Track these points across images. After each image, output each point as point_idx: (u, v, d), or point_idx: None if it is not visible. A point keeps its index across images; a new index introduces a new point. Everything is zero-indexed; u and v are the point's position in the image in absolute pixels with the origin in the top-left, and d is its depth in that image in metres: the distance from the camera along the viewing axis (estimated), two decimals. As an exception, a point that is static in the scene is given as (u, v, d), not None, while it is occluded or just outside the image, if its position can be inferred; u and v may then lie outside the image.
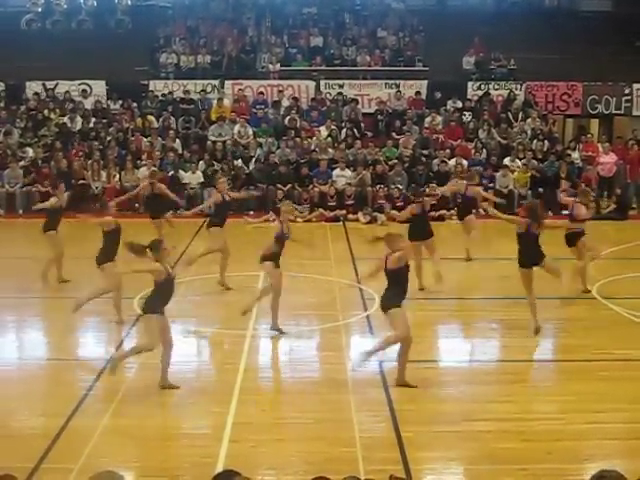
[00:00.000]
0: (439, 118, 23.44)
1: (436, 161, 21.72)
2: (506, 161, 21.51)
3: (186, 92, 23.90)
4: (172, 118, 23.13)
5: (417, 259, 13.45)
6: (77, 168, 21.07)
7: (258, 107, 23.85)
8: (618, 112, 24.95)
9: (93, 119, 23.03)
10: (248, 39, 26.07)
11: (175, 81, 24.46)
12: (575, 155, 22.28)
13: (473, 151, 22.28)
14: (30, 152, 21.82)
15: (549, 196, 20.94)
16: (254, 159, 21.87)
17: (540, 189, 21.05)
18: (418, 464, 7.59)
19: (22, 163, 21.37)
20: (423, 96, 24.35)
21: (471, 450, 7.92)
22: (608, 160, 21.87)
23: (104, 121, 22.95)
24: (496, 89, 24.59)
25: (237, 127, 22.70)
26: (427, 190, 20.41)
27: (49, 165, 21.22)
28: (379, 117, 23.73)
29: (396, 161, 21.65)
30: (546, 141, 22.60)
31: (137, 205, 19.68)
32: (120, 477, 4.47)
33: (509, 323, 11.59)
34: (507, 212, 20.06)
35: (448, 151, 22.03)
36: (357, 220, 20.00)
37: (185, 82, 24.29)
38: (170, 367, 9.33)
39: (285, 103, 23.96)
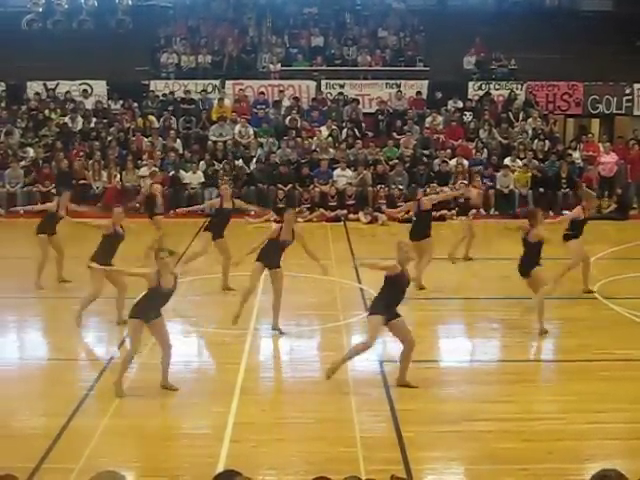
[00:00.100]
0: (440, 118, 23.44)
1: (437, 161, 21.71)
2: (507, 161, 21.50)
3: (187, 92, 23.90)
4: (173, 118, 23.13)
5: (417, 259, 13.46)
6: (78, 168, 21.07)
7: (259, 107, 23.86)
8: (619, 112, 24.94)
9: (94, 119, 23.03)
10: (249, 39, 26.07)
11: (176, 81, 24.47)
12: (576, 155, 22.27)
13: (474, 151, 22.27)
14: (31, 152, 21.83)
15: (550, 196, 21.00)
16: (255, 159, 21.87)
17: (541, 189, 21.04)
18: (419, 464, 7.59)
19: (23, 163, 21.38)
20: (424, 96, 24.35)
21: (472, 450, 7.92)
22: (609, 160, 21.86)
23: (105, 121, 22.96)
24: (497, 89, 24.59)
25: (238, 127, 22.70)
26: (428, 190, 20.55)
27: (50, 165, 21.23)
28: (380, 117, 23.72)
29: (397, 161, 21.65)
30: (547, 141, 22.60)
31: (138, 205, 19.63)
32: (122, 477, 4.47)
33: (510, 323, 11.59)
34: (508, 212, 20.35)
35: (449, 151, 22.02)
36: (358, 220, 20.00)
37: (186, 82, 24.30)
38: (171, 367, 9.34)
39: (286, 103, 23.97)
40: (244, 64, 25.32)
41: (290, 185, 20.76)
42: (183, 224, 17.43)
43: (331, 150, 22.08)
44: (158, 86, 24.33)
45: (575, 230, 12.95)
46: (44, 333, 11.95)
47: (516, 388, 9.53)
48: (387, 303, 9.41)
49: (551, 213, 20.42)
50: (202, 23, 26.95)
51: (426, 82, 24.58)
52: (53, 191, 20.55)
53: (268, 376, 10.34)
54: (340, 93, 24.40)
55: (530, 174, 21.20)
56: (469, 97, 24.36)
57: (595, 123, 26.34)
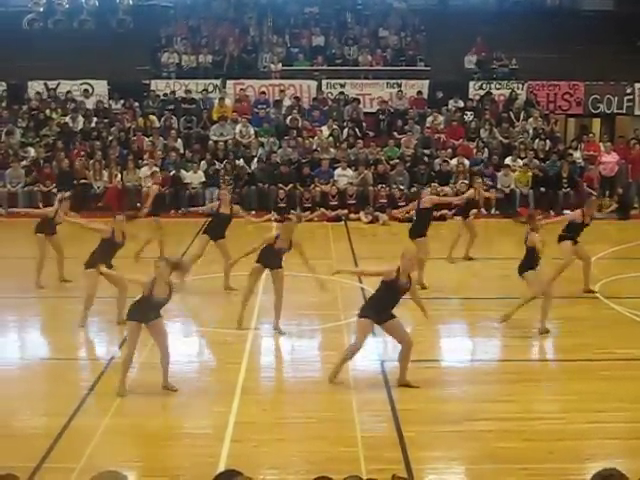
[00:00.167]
0: (441, 118, 23.44)
1: (438, 161, 21.71)
2: (508, 160, 21.49)
3: (188, 92, 23.91)
4: (174, 118, 23.14)
5: (424, 254, 13.47)
6: (79, 168, 21.07)
7: (260, 107, 23.87)
8: (620, 111, 24.94)
9: (95, 119, 23.03)
10: (250, 39, 26.08)
11: (177, 81, 24.47)
12: (577, 155, 22.26)
13: (475, 151, 22.27)
14: (32, 152, 21.83)
15: (551, 196, 20.99)
16: (256, 159, 21.87)
17: (542, 189, 21.04)
18: (420, 464, 7.59)
19: (24, 163, 21.38)
20: (425, 96, 24.34)
21: (473, 450, 7.93)
22: (610, 160, 21.85)
23: (106, 121, 22.95)
24: (498, 89, 24.59)
25: (239, 127, 22.70)
26: (429, 190, 20.54)
27: (51, 165, 21.23)
28: (381, 117, 23.72)
29: (398, 161, 21.64)
30: (548, 140, 22.59)
31: (139, 205, 19.66)
32: (123, 477, 4.47)
33: (511, 322, 11.57)
34: (508, 211, 20.33)
35: (450, 151, 22.01)
36: (359, 220, 20.00)
37: (187, 82, 24.30)
38: (172, 367, 9.35)
39: (287, 103, 23.97)
40: (245, 64, 25.33)
41: (291, 185, 20.76)
42: (184, 224, 17.44)
43: (332, 150, 22.07)
44: (159, 86, 24.33)
45: (571, 232, 12.95)
46: (45, 333, 11.95)
47: (517, 388, 9.53)
48: (378, 306, 9.45)
49: (552, 213, 20.52)
50: (203, 23, 26.96)
51: (427, 82, 24.58)
52: (54, 191, 20.62)
53: (269, 376, 10.34)
54: (341, 93, 24.40)
55: (531, 174, 21.19)
56: (470, 97, 24.36)
57: (596, 123, 26.34)
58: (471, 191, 16.48)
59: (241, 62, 25.35)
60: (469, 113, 23.69)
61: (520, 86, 24.48)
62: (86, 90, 24.07)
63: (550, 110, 24.43)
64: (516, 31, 25.15)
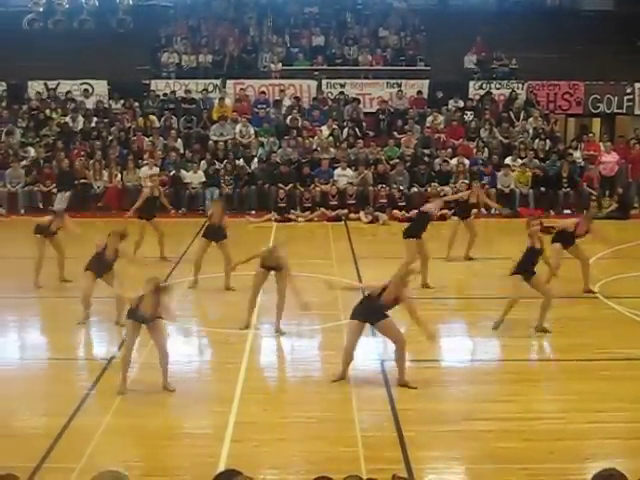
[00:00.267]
0: (441, 117, 23.43)
1: (438, 160, 21.70)
2: (507, 160, 21.49)
3: (188, 92, 23.90)
4: (174, 118, 23.13)
5: (422, 257, 13.48)
6: (79, 168, 21.06)
7: (260, 106, 23.87)
8: (620, 111, 24.94)
9: (95, 119, 23.02)
10: (250, 38, 26.07)
11: (177, 80, 24.46)
12: (577, 154, 22.25)
13: (475, 150, 22.26)
14: (32, 152, 21.82)
15: (551, 195, 20.99)
16: (256, 159, 21.87)
17: (542, 188, 21.04)
18: (420, 463, 7.60)
19: (24, 163, 21.36)
20: (425, 95, 24.34)
21: (472, 450, 7.93)
22: (610, 159, 21.85)
23: (106, 121, 22.94)
24: (498, 88, 24.59)
25: (239, 126, 22.70)
26: (429, 189, 20.57)
27: (51, 165, 21.22)
28: (381, 116, 23.72)
29: (398, 160, 21.63)
30: (548, 140, 22.58)
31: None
32: (124, 476, 4.47)
33: (510, 322, 11.57)
34: (508, 211, 20.36)
35: (450, 150, 22.00)
36: (359, 219, 19.99)
37: (187, 82, 24.29)
38: (172, 367, 9.36)
39: (287, 102, 23.96)
40: (245, 63, 25.32)
41: (291, 185, 20.75)
42: (185, 224, 17.44)
43: (332, 150, 22.07)
44: (159, 86, 24.33)
45: (560, 238, 13.01)
46: (45, 333, 11.95)
47: (517, 387, 9.54)
48: (369, 309, 9.50)
49: (552, 212, 20.54)
50: (203, 22, 26.96)
51: (427, 81, 24.57)
52: (54, 190, 20.63)
53: (269, 376, 10.35)
54: (341, 92, 24.39)
55: (530, 173, 21.17)
56: (470, 96, 24.35)
57: (596, 122, 26.33)
58: (466, 192, 16.51)
59: (241, 62, 25.34)
60: (469, 113, 23.68)
61: (520, 86, 24.48)
62: (86, 90, 24.06)
63: (550, 110, 24.43)
64: (516, 31, 25.15)
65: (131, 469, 7.32)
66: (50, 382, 9.83)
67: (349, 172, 21.19)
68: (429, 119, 23.34)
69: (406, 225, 14.80)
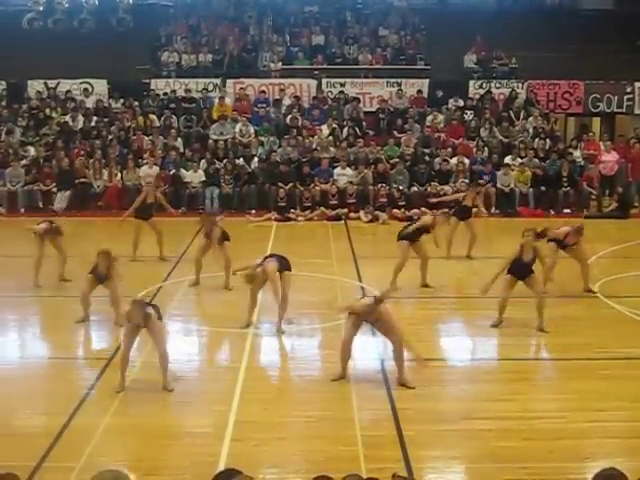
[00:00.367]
0: (441, 117, 23.43)
1: (438, 160, 21.70)
2: (507, 160, 21.48)
3: (187, 91, 23.91)
4: (174, 117, 23.12)
5: (421, 257, 13.49)
6: (79, 167, 21.06)
7: (260, 106, 23.87)
8: (620, 110, 24.94)
9: (95, 118, 23.02)
10: (250, 38, 26.07)
11: (177, 80, 24.46)
12: (577, 154, 22.25)
13: (475, 150, 22.27)
14: (32, 151, 21.82)
15: (551, 195, 20.99)
16: (256, 158, 21.88)
17: (542, 188, 21.04)
18: (420, 462, 7.60)
19: (24, 162, 21.36)
20: (425, 95, 24.34)
21: (472, 449, 7.93)
22: (610, 159, 21.85)
23: (106, 120, 22.95)
24: (498, 87, 24.59)
25: (239, 126, 22.70)
26: (429, 189, 20.58)
27: (51, 164, 21.22)
28: (381, 116, 23.71)
29: (398, 160, 21.62)
30: (548, 139, 22.58)
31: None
32: (124, 476, 4.47)
33: (510, 321, 11.58)
34: (508, 210, 20.36)
35: (450, 150, 22.00)
36: (359, 219, 19.99)
37: (187, 81, 24.29)
38: (172, 366, 9.37)
39: (287, 102, 23.97)
40: (245, 63, 25.32)
41: (291, 184, 20.75)
42: (184, 223, 17.40)
43: (332, 149, 22.07)
44: (159, 85, 24.33)
45: (554, 240, 13.08)
46: (45, 332, 11.94)
47: (516, 387, 9.54)
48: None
49: (552, 212, 20.54)
50: (203, 22, 26.96)
51: (427, 81, 24.58)
52: (54, 190, 20.64)
53: (269, 375, 10.35)
54: (341, 92, 24.39)
55: (529, 173, 21.16)
56: (470, 96, 24.36)
57: (596, 122, 26.32)
58: (461, 194, 16.53)
59: (241, 61, 25.35)
60: (469, 112, 23.68)
61: (520, 85, 24.48)
62: (86, 89, 24.07)
63: (550, 109, 24.43)
64: (516, 30, 25.15)
65: (131, 468, 7.33)
66: (50, 381, 9.83)
67: (349, 171, 21.19)
68: (429, 118, 23.34)
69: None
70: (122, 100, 23.86)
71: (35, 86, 24.03)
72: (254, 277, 11.16)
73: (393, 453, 7.72)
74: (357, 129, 22.98)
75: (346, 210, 20.24)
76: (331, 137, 22.51)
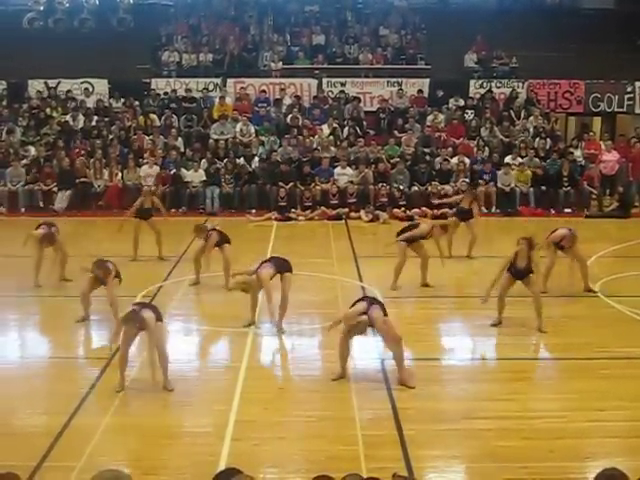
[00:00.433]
0: (441, 116, 23.43)
1: (438, 159, 21.69)
2: (508, 159, 21.48)
3: (188, 90, 23.92)
4: (174, 116, 23.12)
5: (421, 257, 13.49)
6: (79, 166, 21.07)
7: (260, 105, 23.87)
8: (620, 110, 24.94)
9: (95, 117, 23.04)
10: (250, 37, 26.07)
11: (177, 79, 24.48)
12: (577, 153, 22.24)
13: (475, 149, 22.27)
14: (32, 150, 21.83)
15: (551, 194, 20.99)
16: (256, 157, 21.88)
17: (542, 187, 21.03)
18: (420, 462, 7.59)
19: (24, 161, 21.37)
20: (425, 94, 24.35)
21: (472, 448, 7.93)
22: (610, 158, 21.84)
23: (106, 119, 22.95)
24: (498, 87, 24.59)
25: (239, 125, 22.70)
26: (429, 188, 20.58)
27: (51, 163, 21.23)
28: (381, 115, 23.72)
29: (398, 159, 21.62)
30: (548, 139, 22.58)
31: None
32: (124, 475, 4.47)
33: (510, 321, 11.58)
34: (509, 210, 20.36)
35: (450, 149, 21.99)
36: (359, 218, 19.99)
37: (187, 80, 24.30)
38: (172, 365, 9.37)
39: (287, 101, 23.97)
40: (245, 62, 25.33)
41: (291, 183, 20.76)
42: (185, 223, 17.41)
43: (332, 148, 22.07)
44: (159, 84, 24.34)
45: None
46: (45, 331, 11.93)
47: (516, 386, 9.54)
48: None
49: (552, 211, 20.54)
50: (203, 21, 26.97)
51: (427, 80, 24.58)
52: (54, 189, 20.64)
53: (269, 374, 10.34)
54: (341, 91, 24.40)
55: (529, 172, 21.14)
56: (470, 95, 24.36)
57: (597, 121, 26.32)
58: (459, 196, 16.54)
59: (241, 61, 25.35)
60: (469, 112, 23.68)
61: (520, 84, 24.49)
62: (86, 89, 24.08)
63: (551, 108, 24.44)
64: (516, 29, 25.15)
65: (131, 468, 7.33)
66: (50, 381, 9.83)
67: (349, 171, 21.19)
68: (429, 118, 23.34)
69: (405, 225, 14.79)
70: (123, 100, 23.87)
71: (36, 86, 24.05)
72: (250, 286, 11.19)
73: (393, 452, 7.72)
74: (358, 129, 22.98)
75: (347, 210, 20.24)
76: (332, 137, 22.51)
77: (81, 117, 23.02)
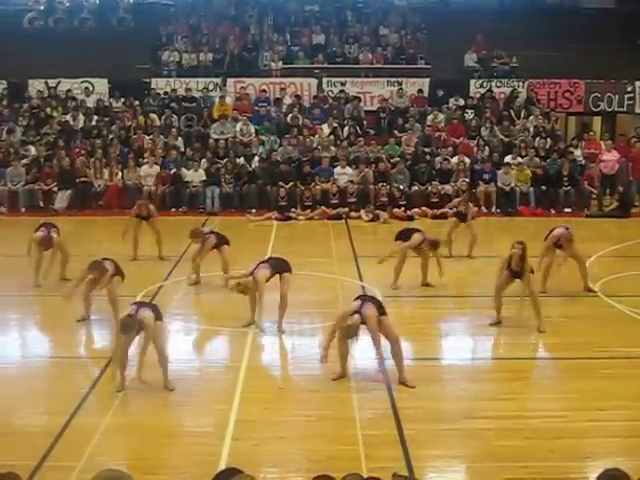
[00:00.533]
0: (441, 116, 23.43)
1: (438, 159, 21.69)
2: (508, 159, 21.48)
3: (188, 90, 23.92)
4: (174, 116, 23.12)
5: (421, 256, 13.50)
6: (79, 166, 21.06)
7: (260, 105, 23.88)
8: (620, 110, 24.96)
9: (95, 117, 23.04)
10: (250, 37, 26.08)
11: (177, 79, 24.49)
12: (577, 153, 22.24)
13: (475, 149, 22.27)
14: (32, 150, 21.83)
15: (551, 194, 20.98)
16: (256, 157, 21.88)
17: (542, 187, 21.03)
18: (420, 462, 7.59)
19: (24, 161, 21.36)
20: (425, 94, 24.36)
21: (473, 448, 7.93)
22: (610, 158, 21.84)
23: (106, 119, 22.96)
24: (498, 87, 24.60)
25: (239, 125, 22.70)
26: (429, 188, 20.57)
27: (51, 163, 21.23)
28: (381, 115, 23.73)
29: (398, 159, 21.62)
30: (548, 139, 22.58)
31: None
32: (125, 475, 4.47)
33: (511, 320, 11.58)
34: (509, 210, 20.36)
35: (450, 149, 21.98)
36: (359, 218, 19.99)
37: (187, 80, 24.31)
38: (172, 365, 9.37)
39: (287, 101, 23.97)
40: (245, 62, 25.33)
41: (292, 183, 20.75)
42: (185, 222, 17.42)
43: (332, 148, 22.07)
44: (159, 84, 24.35)
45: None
46: (46, 331, 11.94)
47: (516, 386, 9.54)
48: None
49: (552, 211, 20.54)
50: (203, 21, 26.99)
51: (427, 80, 24.59)
52: (55, 189, 20.65)
53: (270, 374, 10.34)
54: (341, 91, 24.41)
55: (528, 172, 21.13)
56: (471, 95, 24.37)
57: (597, 121, 26.33)
58: (456, 200, 16.57)
59: (242, 60, 25.36)
60: (470, 111, 23.69)
61: (521, 84, 24.49)
62: (87, 88, 24.10)
63: (551, 108, 24.44)
64: (517, 29, 25.17)
65: (131, 467, 7.32)
66: (51, 380, 9.83)
67: (349, 170, 21.18)
68: (430, 117, 23.34)
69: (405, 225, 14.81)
70: (123, 99, 23.88)
71: (36, 85, 24.06)
72: (247, 288, 11.19)
73: (394, 452, 7.72)
74: (358, 128, 22.98)
75: (347, 209, 20.24)
76: (332, 136, 22.51)
77: (81, 117, 23.02)
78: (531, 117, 23.23)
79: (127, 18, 26.96)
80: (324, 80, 24.62)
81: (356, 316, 9.32)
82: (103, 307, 11.65)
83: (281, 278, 11.31)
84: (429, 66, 25.11)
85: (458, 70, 25.34)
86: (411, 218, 19.61)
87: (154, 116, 23.12)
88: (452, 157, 21.60)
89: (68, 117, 22.99)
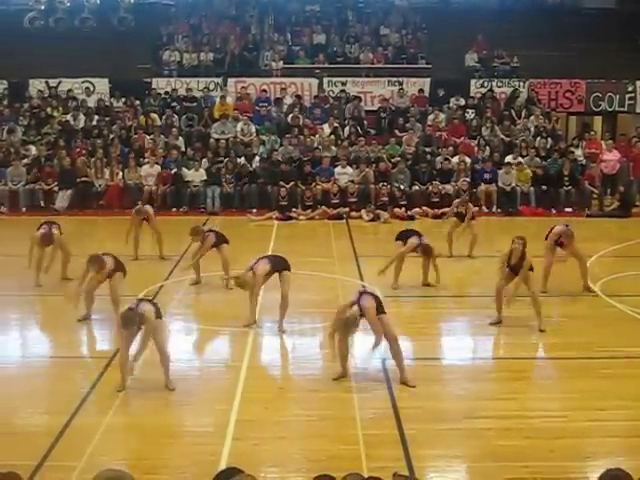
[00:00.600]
0: (442, 115, 23.43)
1: (439, 159, 21.69)
2: (509, 158, 21.47)
3: (189, 90, 23.93)
4: (175, 116, 23.13)
5: (422, 256, 13.51)
6: (80, 166, 21.07)
7: (261, 105, 23.88)
8: (621, 109, 24.95)
9: (96, 117, 23.05)
10: (251, 37, 26.08)
11: (178, 79, 24.50)
12: (578, 152, 22.23)
13: (476, 149, 22.26)
14: (33, 150, 21.84)
15: (552, 194, 20.98)
16: (257, 157, 21.88)
17: (543, 187, 21.02)
18: (421, 461, 7.59)
19: (25, 161, 21.37)
20: (426, 93, 24.36)
21: (473, 448, 7.93)
22: (611, 157, 21.83)
23: (107, 119, 22.97)
24: (499, 86, 24.60)
25: (240, 125, 22.71)
26: (430, 188, 20.57)
27: (52, 163, 21.23)
28: (382, 115, 23.73)
29: (399, 159, 21.62)
30: (549, 138, 22.57)
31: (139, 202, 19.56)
32: (125, 475, 4.47)
33: (511, 320, 11.58)
34: (510, 209, 20.35)
35: (451, 149, 21.97)
36: (360, 218, 19.98)
37: (188, 80, 24.32)
38: (173, 365, 9.37)
39: (288, 101, 23.98)
40: (246, 62, 25.34)
41: (292, 183, 20.75)
42: (186, 222, 17.42)
43: (333, 148, 22.07)
44: (160, 84, 24.35)
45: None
46: (46, 331, 11.94)
47: (517, 385, 9.54)
48: None
49: (553, 211, 20.53)
50: (204, 21, 26.99)
51: (428, 80, 24.59)
52: (55, 189, 20.66)
53: (270, 374, 10.35)
54: (342, 91, 24.42)
55: (529, 171, 21.12)
56: (471, 94, 24.37)
57: (598, 121, 26.32)
58: (456, 201, 16.58)
59: (242, 60, 25.36)
60: (470, 111, 23.68)
61: (521, 84, 24.49)
62: (87, 88, 24.10)
63: (551, 108, 24.42)
64: (517, 29, 25.17)
65: (132, 467, 7.32)
66: (51, 380, 9.83)
67: (349, 170, 21.18)
68: (430, 117, 23.33)
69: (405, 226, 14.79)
70: (123, 99, 23.89)
71: (36, 85, 24.07)
72: (246, 282, 11.19)
73: (394, 452, 7.72)
74: (358, 128, 22.98)
75: (347, 209, 20.23)
76: (332, 136, 22.51)
77: (82, 116, 23.02)
78: (532, 117, 23.23)
79: (128, 18, 26.97)
80: (325, 80, 24.62)
81: (355, 307, 9.33)
82: (104, 306, 11.66)
83: (281, 277, 11.31)
84: (430, 66, 25.11)
85: (459, 70, 25.34)
86: (412, 218, 19.61)
87: (155, 116, 23.13)
88: (453, 157, 21.60)
89: (69, 117, 23.00)
